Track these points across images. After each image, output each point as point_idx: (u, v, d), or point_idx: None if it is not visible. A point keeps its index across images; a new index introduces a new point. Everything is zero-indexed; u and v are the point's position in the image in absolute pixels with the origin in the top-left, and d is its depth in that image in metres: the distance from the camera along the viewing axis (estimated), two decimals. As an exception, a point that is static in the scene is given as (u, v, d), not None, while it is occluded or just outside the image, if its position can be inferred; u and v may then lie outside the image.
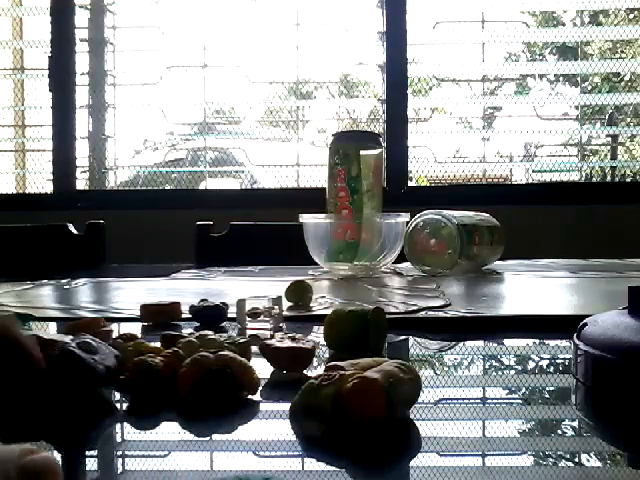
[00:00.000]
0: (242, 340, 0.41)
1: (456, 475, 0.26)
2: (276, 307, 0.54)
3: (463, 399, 0.38)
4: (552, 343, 0.52)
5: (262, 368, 0.42)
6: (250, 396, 0.34)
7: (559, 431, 0.32)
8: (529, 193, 2.02)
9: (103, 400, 0.35)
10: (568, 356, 0.45)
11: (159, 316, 0.57)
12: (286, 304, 0.64)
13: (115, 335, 0.45)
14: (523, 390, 0.38)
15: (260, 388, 0.37)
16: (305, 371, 0.43)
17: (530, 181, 2.30)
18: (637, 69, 2.13)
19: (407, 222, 1.00)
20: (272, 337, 0.44)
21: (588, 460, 0.28)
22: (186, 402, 0.33)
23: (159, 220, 1.90)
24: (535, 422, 0.33)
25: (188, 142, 2.34)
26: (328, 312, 0.48)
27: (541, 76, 2.30)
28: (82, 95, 2.13)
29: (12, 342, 0.29)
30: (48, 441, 0.30)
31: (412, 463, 0.27)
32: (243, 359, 0.35)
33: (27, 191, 2.24)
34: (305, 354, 0.40)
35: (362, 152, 1.03)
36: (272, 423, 0.33)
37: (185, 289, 0.83)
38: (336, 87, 2.31)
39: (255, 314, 0.55)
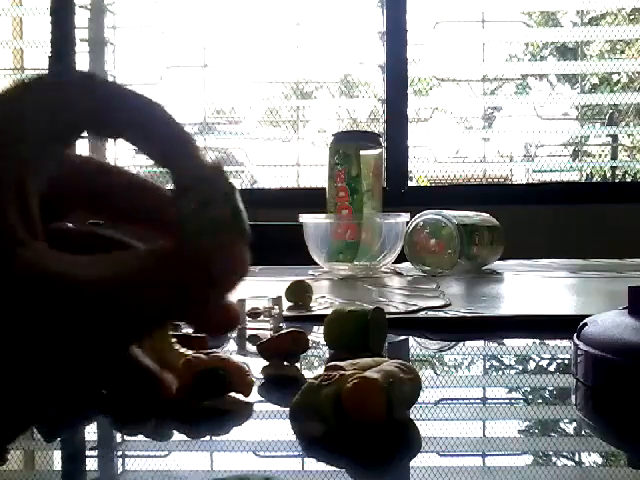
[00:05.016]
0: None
1: (456, 475, 0.26)
2: (276, 307, 0.54)
3: (463, 399, 0.38)
4: (552, 343, 0.52)
5: (258, 368, 0.42)
6: (248, 396, 0.34)
7: (559, 431, 0.32)
8: (529, 193, 2.02)
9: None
10: (568, 356, 0.45)
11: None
12: (286, 304, 0.64)
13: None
14: (523, 390, 0.38)
15: (259, 388, 0.37)
16: (305, 371, 0.43)
17: (530, 181, 2.30)
18: (637, 69, 2.13)
19: (407, 222, 1.00)
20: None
21: (588, 460, 0.28)
22: (179, 404, 0.33)
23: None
24: (535, 422, 0.33)
25: (188, 142, 2.33)
26: (328, 312, 0.48)
27: (541, 76, 2.30)
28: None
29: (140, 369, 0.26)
30: (48, 442, 0.30)
31: (412, 463, 0.27)
32: (236, 360, 0.35)
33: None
34: (297, 334, 0.42)
35: (362, 152, 1.03)
36: (272, 423, 0.33)
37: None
38: (336, 87, 2.31)
39: (255, 314, 0.55)
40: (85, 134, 0.22)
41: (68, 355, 0.18)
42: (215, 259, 0.19)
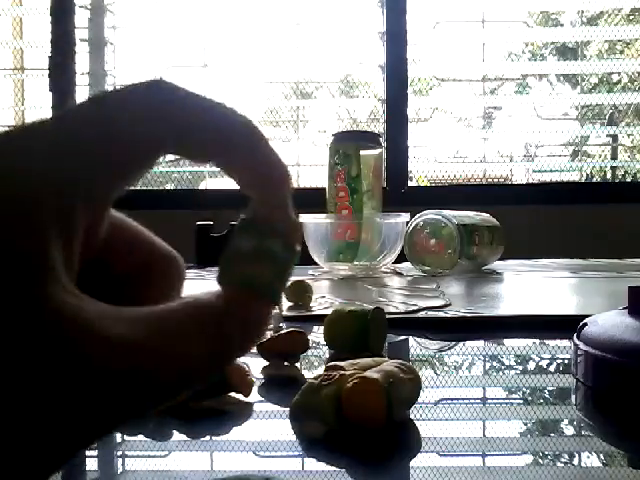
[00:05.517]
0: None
1: (456, 475, 0.26)
2: (276, 307, 0.54)
3: (463, 399, 0.38)
4: (552, 343, 0.52)
5: (258, 368, 0.42)
6: (248, 396, 0.34)
7: (559, 431, 0.32)
8: (529, 193, 2.02)
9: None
10: (568, 356, 0.45)
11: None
12: (286, 304, 0.64)
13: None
14: (523, 390, 0.38)
15: (259, 388, 0.37)
16: (305, 371, 0.43)
17: (530, 181, 2.30)
18: (637, 69, 2.13)
19: (407, 222, 1.00)
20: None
21: (588, 460, 0.28)
22: (179, 404, 0.33)
23: (159, 220, 1.89)
24: (535, 422, 0.33)
25: (188, 142, 2.33)
26: (328, 312, 0.48)
27: (541, 76, 2.30)
28: (82, 95, 2.13)
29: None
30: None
31: (412, 463, 0.27)
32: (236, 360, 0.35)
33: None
34: (296, 334, 0.42)
35: (362, 152, 1.03)
36: (272, 423, 0.33)
37: (185, 289, 0.83)
38: (336, 87, 2.31)
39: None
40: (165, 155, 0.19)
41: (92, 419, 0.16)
42: (239, 317, 0.18)
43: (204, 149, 0.19)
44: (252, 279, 0.18)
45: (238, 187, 0.19)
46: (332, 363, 0.32)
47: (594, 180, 2.27)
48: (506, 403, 0.37)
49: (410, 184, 2.04)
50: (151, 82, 0.18)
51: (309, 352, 0.44)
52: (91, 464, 0.29)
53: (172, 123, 0.18)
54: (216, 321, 0.17)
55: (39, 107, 2.19)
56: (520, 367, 0.45)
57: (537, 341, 0.53)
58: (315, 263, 1.02)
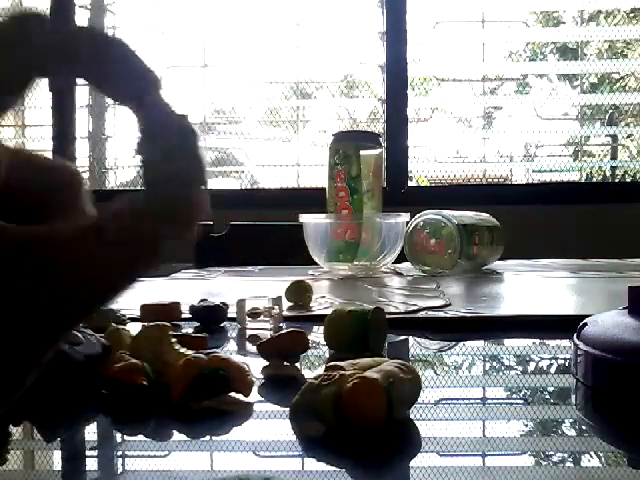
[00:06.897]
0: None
1: (456, 475, 0.26)
2: (276, 307, 0.54)
3: (463, 399, 0.38)
4: (552, 343, 0.52)
5: (258, 368, 0.42)
6: (248, 396, 0.34)
7: (559, 431, 0.32)
8: (529, 193, 2.02)
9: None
10: (568, 356, 0.45)
11: (159, 316, 0.56)
12: (286, 304, 0.64)
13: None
14: (523, 390, 0.38)
15: (259, 388, 0.37)
16: (305, 371, 0.43)
17: (530, 181, 2.30)
18: (637, 69, 2.13)
19: (407, 222, 1.00)
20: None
21: (588, 460, 0.28)
22: (179, 404, 0.33)
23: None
24: (535, 422, 0.33)
25: (188, 142, 2.33)
26: (328, 312, 0.48)
27: (541, 76, 2.30)
28: (82, 95, 2.13)
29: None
30: (48, 442, 0.31)
31: (412, 463, 0.27)
32: (236, 360, 0.35)
33: (27, 191, 2.23)
34: (296, 334, 0.42)
35: (362, 152, 1.03)
36: (272, 423, 0.33)
37: (185, 289, 0.83)
38: (336, 87, 2.31)
39: (255, 314, 0.55)
40: (41, 74, 0.20)
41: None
42: (180, 209, 0.19)
43: (79, 68, 0.21)
44: (173, 180, 0.19)
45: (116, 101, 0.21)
46: (332, 363, 0.32)
47: (594, 180, 2.27)
48: (506, 403, 0.37)
49: (410, 184, 2.04)
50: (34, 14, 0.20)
51: (309, 352, 0.44)
52: (91, 464, 0.29)
53: (42, 46, 0.20)
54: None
55: (39, 107, 2.19)
56: (520, 367, 0.45)
57: (537, 341, 0.53)
58: (315, 263, 1.02)
